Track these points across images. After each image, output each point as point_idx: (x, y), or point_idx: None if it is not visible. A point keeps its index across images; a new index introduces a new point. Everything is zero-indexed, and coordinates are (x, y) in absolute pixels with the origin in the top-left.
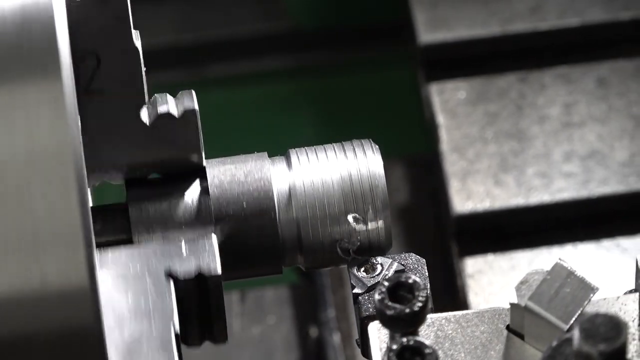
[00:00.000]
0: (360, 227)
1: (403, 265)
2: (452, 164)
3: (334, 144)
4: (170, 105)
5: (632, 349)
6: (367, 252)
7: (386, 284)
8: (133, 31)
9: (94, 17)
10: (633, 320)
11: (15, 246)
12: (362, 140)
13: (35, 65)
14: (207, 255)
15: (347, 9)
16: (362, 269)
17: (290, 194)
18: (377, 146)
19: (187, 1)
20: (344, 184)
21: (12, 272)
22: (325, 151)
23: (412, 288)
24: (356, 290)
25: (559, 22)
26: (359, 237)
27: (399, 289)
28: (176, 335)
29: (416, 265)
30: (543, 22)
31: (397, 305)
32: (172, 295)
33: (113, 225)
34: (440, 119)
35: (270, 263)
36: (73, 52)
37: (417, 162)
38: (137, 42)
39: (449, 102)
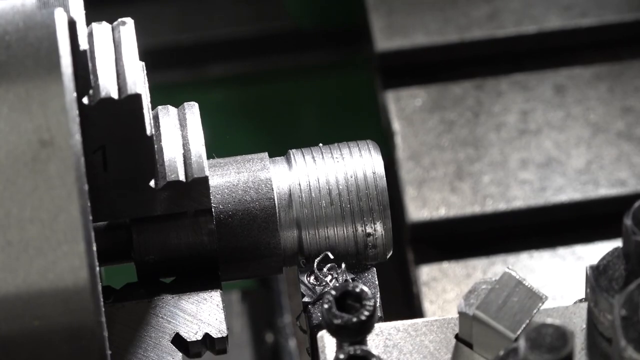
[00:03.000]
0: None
1: (354, 273)
2: (408, 171)
3: (335, 144)
4: (179, 172)
5: (579, 358)
6: (368, 254)
7: (333, 293)
8: (144, 84)
9: (109, 117)
10: (581, 330)
11: (16, 245)
12: (364, 141)
13: (37, 66)
14: (214, 318)
15: (339, 10)
16: (313, 277)
17: (291, 195)
18: (377, 146)
19: (187, 1)
20: (345, 185)
21: (13, 271)
22: (327, 151)
23: (359, 297)
24: (306, 299)
25: (516, 29)
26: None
27: (347, 297)
28: None
29: (366, 274)
30: (500, 29)
31: (344, 315)
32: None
33: (115, 235)
34: (397, 126)
35: (270, 263)
36: (84, 144)
37: None
38: (147, 103)
39: (405, 109)
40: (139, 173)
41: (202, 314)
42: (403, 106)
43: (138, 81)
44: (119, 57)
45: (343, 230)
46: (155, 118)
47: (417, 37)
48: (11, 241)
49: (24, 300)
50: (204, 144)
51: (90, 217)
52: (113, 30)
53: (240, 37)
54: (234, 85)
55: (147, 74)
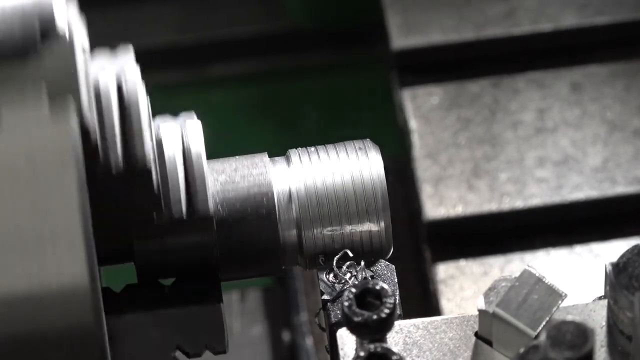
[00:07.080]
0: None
1: (372, 271)
2: (425, 169)
3: (334, 144)
4: (182, 209)
5: (599, 355)
6: (368, 254)
7: (354, 290)
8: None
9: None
10: (601, 327)
11: (16, 246)
12: (363, 140)
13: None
14: (215, 328)
15: (340, 10)
16: (332, 274)
17: (291, 195)
18: (377, 146)
19: (188, 1)
20: (344, 185)
21: (13, 272)
22: (326, 151)
23: (379, 294)
24: (325, 297)
25: (532, 27)
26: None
27: (367, 295)
28: None
29: (385, 272)
30: (516, 27)
31: (365, 312)
32: None
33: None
34: (413, 124)
35: (270, 263)
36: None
37: (389, 167)
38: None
39: (422, 107)
40: (141, 211)
41: (204, 328)
42: (420, 104)
43: (148, 152)
44: (127, 122)
45: (343, 230)
46: (159, 144)
47: (433, 35)
48: (9, 242)
49: (23, 302)
50: (206, 176)
51: (90, 218)
52: (119, 80)
53: (241, 37)
54: (234, 85)
55: (147, 74)
